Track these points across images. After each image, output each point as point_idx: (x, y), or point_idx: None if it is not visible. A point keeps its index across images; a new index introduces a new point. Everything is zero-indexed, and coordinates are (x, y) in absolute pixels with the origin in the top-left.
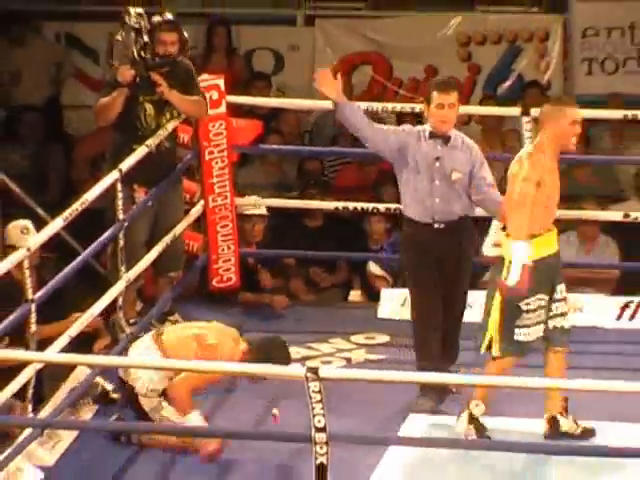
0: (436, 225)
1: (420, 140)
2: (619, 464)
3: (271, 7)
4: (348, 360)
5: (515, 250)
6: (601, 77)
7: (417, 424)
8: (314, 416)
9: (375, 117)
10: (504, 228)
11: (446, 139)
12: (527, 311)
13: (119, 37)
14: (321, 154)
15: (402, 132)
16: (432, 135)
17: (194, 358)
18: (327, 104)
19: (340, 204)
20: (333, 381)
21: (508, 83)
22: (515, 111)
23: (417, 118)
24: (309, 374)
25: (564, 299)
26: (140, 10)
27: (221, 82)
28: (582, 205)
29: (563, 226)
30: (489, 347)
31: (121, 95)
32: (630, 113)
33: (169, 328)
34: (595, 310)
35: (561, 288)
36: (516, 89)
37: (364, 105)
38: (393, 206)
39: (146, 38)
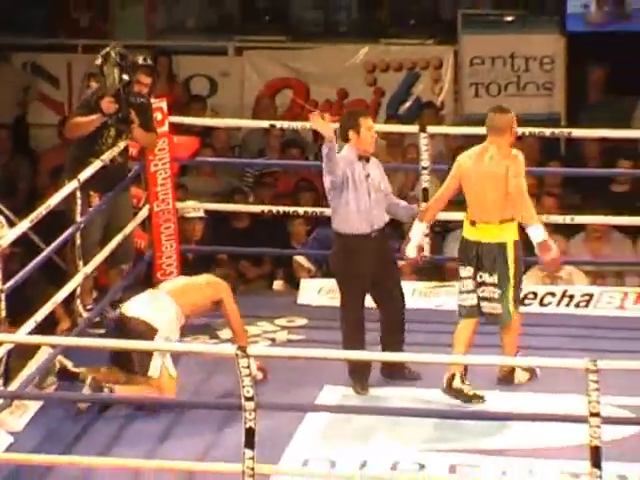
0: (373, 234)
1: (353, 163)
2: (505, 426)
3: (206, 40)
4: (272, 340)
5: (536, 235)
6: (486, 99)
7: (331, 394)
8: (243, 387)
9: (295, 133)
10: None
11: (367, 158)
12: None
13: (105, 69)
14: (248, 165)
15: (342, 159)
16: (360, 157)
17: (201, 297)
18: (253, 123)
19: (266, 207)
20: (259, 358)
21: (408, 104)
22: (414, 128)
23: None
24: (239, 352)
25: (492, 285)
26: (124, 50)
27: (164, 104)
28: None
29: None
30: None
31: (98, 121)
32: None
33: (161, 285)
34: None
35: (488, 275)
36: (414, 109)
37: (286, 124)
38: (311, 209)
39: (127, 77)
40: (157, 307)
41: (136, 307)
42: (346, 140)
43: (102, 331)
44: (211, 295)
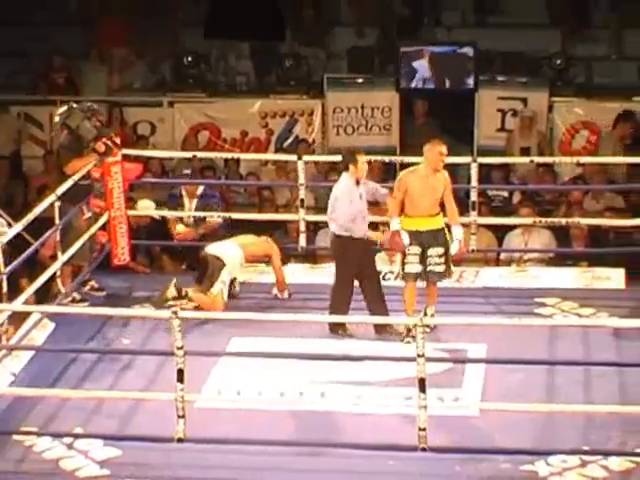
0: (364, 237)
1: (352, 189)
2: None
3: (148, 96)
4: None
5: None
6: (344, 137)
7: (238, 343)
8: (175, 339)
9: (211, 161)
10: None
11: (358, 182)
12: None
13: (69, 120)
14: (177, 184)
15: (352, 188)
16: (357, 182)
17: (259, 250)
18: (181, 154)
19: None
20: (188, 319)
21: (290, 140)
22: (294, 157)
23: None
24: (172, 315)
25: (437, 255)
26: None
27: (117, 141)
28: None
29: None
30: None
31: (95, 160)
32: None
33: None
34: None
35: (432, 251)
36: (294, 144)
37: (205, 154)
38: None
39: (98, 124)
40: (228, 251)
41: (215, 248)
42: (346, 170)
43: (86, 304)
44: (264, 251)
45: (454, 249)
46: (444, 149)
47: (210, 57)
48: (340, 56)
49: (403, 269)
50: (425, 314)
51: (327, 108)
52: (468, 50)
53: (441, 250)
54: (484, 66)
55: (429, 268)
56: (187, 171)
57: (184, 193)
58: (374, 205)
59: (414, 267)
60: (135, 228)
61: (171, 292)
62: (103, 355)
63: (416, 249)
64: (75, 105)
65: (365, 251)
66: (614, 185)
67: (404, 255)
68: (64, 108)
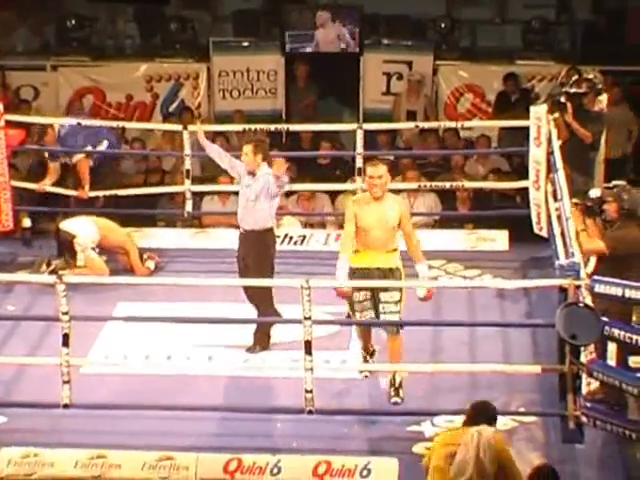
0: (249, 229)
1: (242, 179)
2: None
3: (31, 60)
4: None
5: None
6: (230, 100)
7: (123, 309)
8: (60, 305)
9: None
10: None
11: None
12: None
13: None
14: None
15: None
16: (249, 172)
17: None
18: (65, 120)
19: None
20: (74, 285)
21: (175, 105)
22: (179, 127)
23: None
24: (57, 280)
25: (393, 302)
26: None
27: (0, 107)
28: None
29: None
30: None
31: None
32: (248, 126)
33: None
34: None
35: (386, 296)
36: (179, 108)
37: (89, 121)
38: None
39: None
40: (81, 228)
41: (68, 224)
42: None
43: None
44: (122, 244)
45: (420, 293)
46: (375, 170)
47: (94, 20)
48: (226, 19)
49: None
50: (392, 383)
51: (213, 72)
52: (353, 13)
53: (396, 295)
54: (369, 29)
55: (382, 317)
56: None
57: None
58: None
59: (363, 315)
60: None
61: (43, 268)
62: None
63: (363, 295)
64: None
65: (245, 243)
66: (496, 149)
67: (351, 302)
68: None
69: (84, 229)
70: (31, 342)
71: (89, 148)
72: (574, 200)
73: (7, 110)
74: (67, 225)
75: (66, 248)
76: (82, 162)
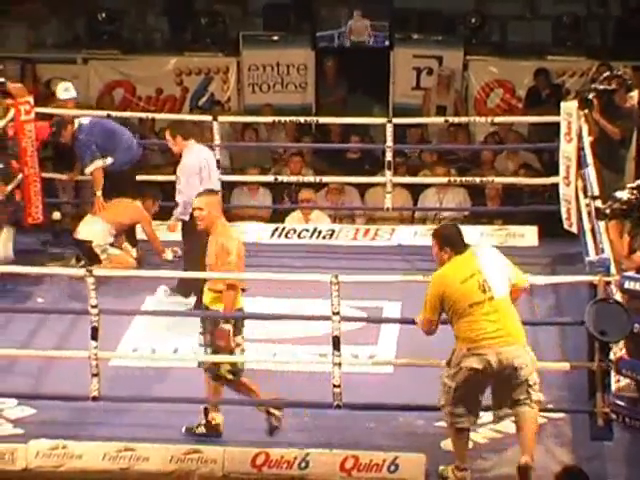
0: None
1: None
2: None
3: (62, 53)
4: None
5: None
6: (259, 94)
7: (151, 303)
8: (90, 298)
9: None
10: None
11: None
12: None
13: None
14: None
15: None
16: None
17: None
18: (96, 113)
19: None
20: (103, 278)
21: (205, 99)
22: (209, 118)
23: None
24: (87, 273)
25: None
26: None
27: (31, 99)
28: None
29: None
30: None
31: None
32: (277, 119)
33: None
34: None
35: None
36: (210, 102)
37: (119, 114)
38: None
39: None
40: (92, 231)
41: (80, 233)
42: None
43: None
44: (133, 220)
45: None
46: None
47: (125, 14)
48: (256, 13)
49: None
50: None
51: (242, 66)
52: (383, 8)
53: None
54: (399, 24)
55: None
56: None
57: None
58: None
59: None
60: None
61: (72, 262)
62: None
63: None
64: None
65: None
66: (526, 144)
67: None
68: None
69: (95, 231)
70: (60, 334)
71: (100, 159)
72: (597, 204)
73: (37, 103)
74: (80, 234)
75: (88, 255)
76: (97, 171)
